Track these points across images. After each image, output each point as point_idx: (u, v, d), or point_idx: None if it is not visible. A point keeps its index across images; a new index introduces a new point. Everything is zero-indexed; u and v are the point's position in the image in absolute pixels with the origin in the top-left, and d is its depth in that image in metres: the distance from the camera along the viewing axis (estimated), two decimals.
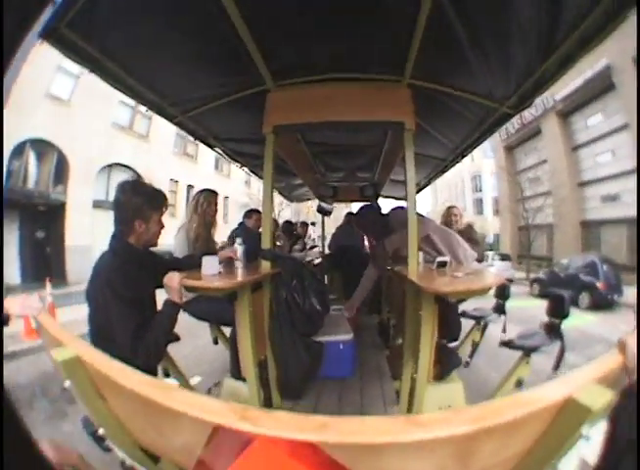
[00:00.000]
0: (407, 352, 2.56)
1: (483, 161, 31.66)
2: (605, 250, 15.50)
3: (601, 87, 16.22)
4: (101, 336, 1.61)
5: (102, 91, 12.00)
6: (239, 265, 2.48)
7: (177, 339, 2.39)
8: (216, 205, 3.26)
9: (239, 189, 22.73)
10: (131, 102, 14.23)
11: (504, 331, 3.18)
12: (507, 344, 2.59)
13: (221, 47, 2.14)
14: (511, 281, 13.00)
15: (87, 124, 12.94)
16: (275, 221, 5.06)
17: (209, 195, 3.22)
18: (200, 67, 2.34)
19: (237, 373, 2.49)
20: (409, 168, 2.47)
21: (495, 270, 15.51)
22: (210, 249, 3.07)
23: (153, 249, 1.95)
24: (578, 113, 18.62)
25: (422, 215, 2.99)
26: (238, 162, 4.38)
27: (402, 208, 2.93)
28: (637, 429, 0.70)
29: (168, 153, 18.13)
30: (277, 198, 6.71)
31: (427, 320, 2.12)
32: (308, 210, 25.05)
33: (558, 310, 2.62)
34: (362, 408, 2.67)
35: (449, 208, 4.32)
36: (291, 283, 2.46)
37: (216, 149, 3.83)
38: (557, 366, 2.55)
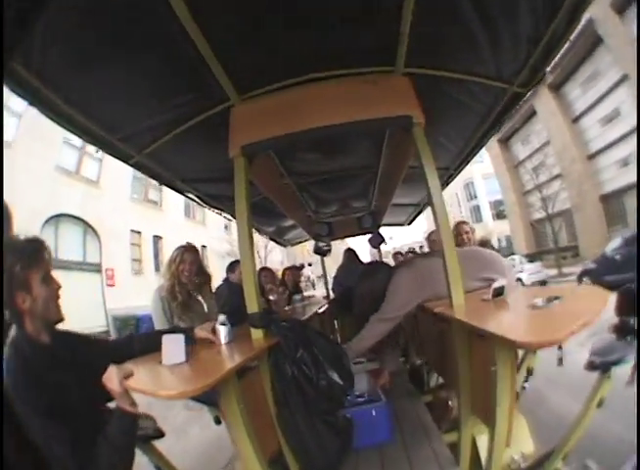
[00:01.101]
0: (464, 408, 2.24)
1: (473, 166, 32.05)
2: (631, 219, 15.33)
3: (588, 44, 16.29)
4: None
5: (43, 131, 11.61)
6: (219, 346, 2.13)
7: (161, 435, 2.16)
8: (192, 263, 3.05)
9: (217, 236, 21.82)
10: (77, 141, 13.84)
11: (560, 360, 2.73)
12: (590, 367, 2.24)
13: (171, 60, 1.94)
14: (545, 283, 12.58)
15: (29, 169, 12.21)
16: (268, 270, 4.84)
17: (183, 251, 3.05)
18: (150, 86, 2.13)
19: None
20: (427, 166, 2.19)
21: (527, 275, 15.25)
22: (193, 315, 2.90)
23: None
24: (571, 80, 18.85)
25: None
26: (214, 207, 4.06)
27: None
28: (637, 428, 0.77)
29: (126, 200, 17.08)
30: (262, 239, 6.48)
31: (504, 377, 1.73)
32: (302, 249, 24.81)
33: (629, 305, 2.22)
34: None
35: (458, 224, 4.02)
36: (295, 354, 2.09)
37: (187, 194, 3.57)
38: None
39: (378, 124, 2.39)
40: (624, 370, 2.09)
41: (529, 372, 2.69)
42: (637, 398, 1.91)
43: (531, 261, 17.90)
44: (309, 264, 8.70)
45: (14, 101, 11.18)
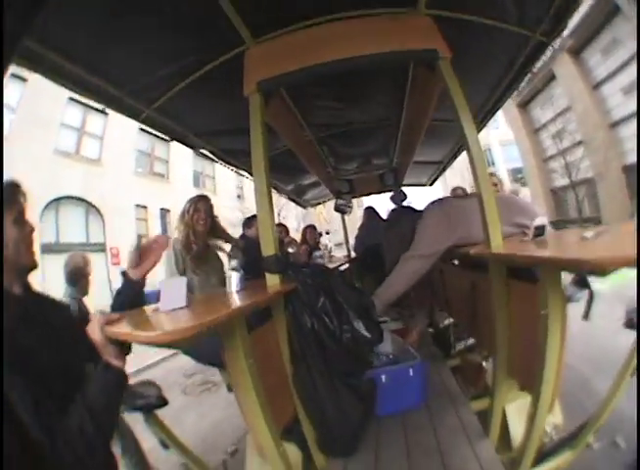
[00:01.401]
0: (500, 369, 2.09)
1: (490, 132, 31.48)
2: None
3: (606, 12, 16.02)
4: None
5: (40, 114, 11.99)
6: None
7: (164, 403, 2.06)
8: (207, 211, 3.10)
9: (229, 205, 20.98)
10: (75, 122, 14.13)
11: (586, 316, 2.63)
12: (630, 324, 2.13)
13: (180, 1, 1.85)
14: None
15: (27, 156, 11.80)
16: (283, 226, 5.07)
17: (197, 200, 3.11)
18: (158, 33, 2.03)
19: None
20: (460, 104, 2.07)
21: None
22: (209, 268, 2.94)
23: None
24: (590, 46, 18.32)
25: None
26: (229, 163, 4.01)
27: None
28: (637, 428, 0.54)
29: (129, 174, 16.51)
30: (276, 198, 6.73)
31: (556, 325, 1.58)
32: (319, 216, 24.47)
33: None
34: (441, 452, 2.09)
35: (454, 190, 3.92)
36: (316, 303, 1.92)
37: (201, 150, 3.54)
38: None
39: (400, 57, 2.29)
40: None
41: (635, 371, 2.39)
42: (637, 397, 1.83)
43: (557, 229, 17.68)
44: (327, 232, 8.71)
45: (11, 88, 11.61)
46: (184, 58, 2.27)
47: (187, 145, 3.35)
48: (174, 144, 3.33)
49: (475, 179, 2.00)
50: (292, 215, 21.85)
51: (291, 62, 2.17)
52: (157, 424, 2.10)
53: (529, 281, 1.78)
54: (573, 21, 16.36)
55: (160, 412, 2.09)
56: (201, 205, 3.08)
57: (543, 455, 1.98)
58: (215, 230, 3.19)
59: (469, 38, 2.43)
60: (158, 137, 16.54)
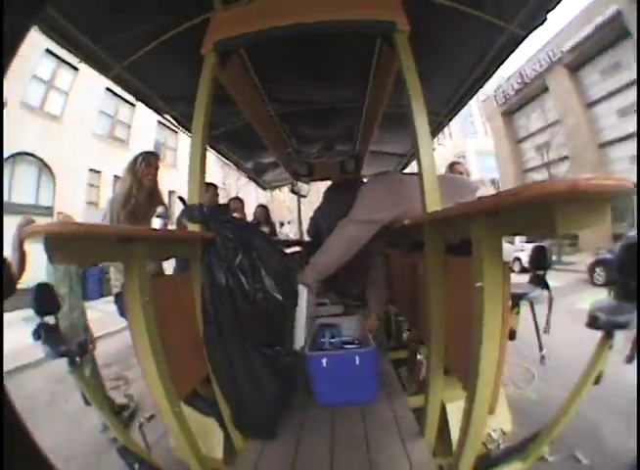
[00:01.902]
0: (434, 360, 1.94)
1: (466, 141, 32.30)
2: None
3: (614, 35, 16.53)
4: None
5: (15, 64, 11.46)
6: None
7: (84, 352, 2.01)
8: (157, 168, 3.24)
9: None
10: (45, 75, 13.82)
11: (547, 324, 2.55)
12: (593, 323, 1.98)
13: None
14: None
15: None
16: (238, 199, 5.49)
17: (150, 155, 3.24)
18: None
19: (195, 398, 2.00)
20: (412, 86, 2.08)
21: (527, 255, 15.25)
22: (143, 224, 2.94)
23: None
24: (589, 65, 18.95)
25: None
26: (190, 130, 3.95)
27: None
28: (637, 430, 0.47)
29: (88, 136, 15.82)
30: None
31: (494, 299, 1.34)
32: (281, 205, 24.42)
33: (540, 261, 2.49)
34: (369, 446, 1.99)
35: (453, 164, 3.82)
36: (234, 259, 1.79)
37: (164, 115, 3.55)
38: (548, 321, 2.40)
39: (356, 26, 2.31)
40: (622, 343, 1.89)
41: (598, 379, 2.04)
42: (637, 396, 1.71)
43: (530, 242, 18.00)
44: (288, 222, 8.94)
45: None
46: (157, 17, 2.36)
47: (152, 107, 3.37)
48: (139, 109, 3.32)
49: (418, 164, 2.04)
50: (252, 200, 22.09)
51: (251, 24, 2.26)
52: (79, 376, 1.99)
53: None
54: (577, 36, 16.95)
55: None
56: (153, 160, 3.19)
57: (488, 464, 1.83)
58: (155, 195, 3.21)
59: (439, 22, 2.48)
60: (123, 100, 16.07)
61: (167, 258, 2.13)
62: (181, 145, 20.01)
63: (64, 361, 1.85)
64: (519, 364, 3.94)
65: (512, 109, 24.52)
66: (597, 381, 1.94)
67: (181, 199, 2.16)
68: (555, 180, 0.87)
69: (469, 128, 32.04)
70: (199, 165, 2.17)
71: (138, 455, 1.98)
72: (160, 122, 17.73)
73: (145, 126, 17.88)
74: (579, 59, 18.80)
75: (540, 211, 0.96)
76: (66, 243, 1.17)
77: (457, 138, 31.81)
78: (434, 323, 1.89)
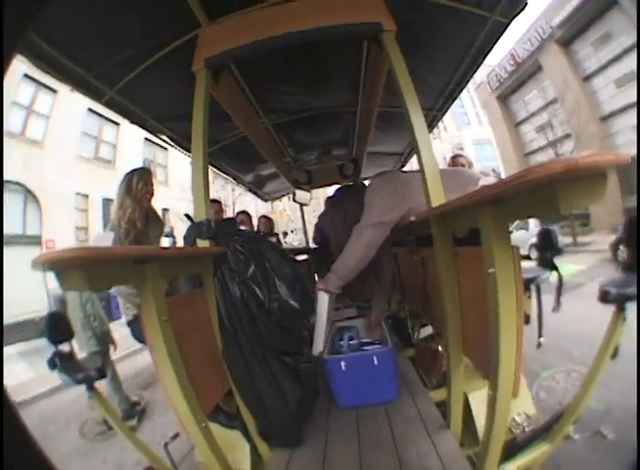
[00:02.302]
0: (453, 351, 1.99)
1: (461, 131, 32.64)
2: None
3: (599, 5, 16.65)
4: None
5: None
6: None
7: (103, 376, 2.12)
8: (152, 185, 3.19)
9: (181, 197, 19.70)
10: (25, 101, 13.91)
11: (557, 306, 2.61)
12: (604, 297, 2.04)
13: None
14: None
15: None
16: (245, 213, 5.57)
17: (144, 173, 3.16)
18: (120, 16, 2.20)
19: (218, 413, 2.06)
20: (404, 82, 2.16)
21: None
22: (144, 241, 2.98)
23: None
24: (580, 38, 18.89)
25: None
26: (188, 149, 4.02)
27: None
28: (637, 431, 0.41)
29: (72, 158, 15.73)
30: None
31: (507, 284, 1.39)
32: (281, 214, 24.40)
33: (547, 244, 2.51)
34: (397, 445, 2.04)
35: (455, 157, 3.89)
36: (246, 271, 1.86)
37: (160, 135, 3.65)
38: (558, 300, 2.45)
39: (343, 31, 2.39)
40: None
41: (615, 353, 2.11)
42: (637, 395, 1.77)
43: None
44: (292, 231, 9.02)
45: None
46: (144, 40, 2.44)
47: (147, 129, 3.44)
48: (124, 128, 3.37)
49: (418, 159, 2.09)
50: (251, 212, 21.90)
51: (240, 38, 2.34)
52: (99, 401, 2.07)
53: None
54: (565, 10, 16.93)
55: None
56: (148, 177, 3.12)
57: (515, 449, 1.90)
58: (151, 213, 3.22)
59: (423, 19, 2.59)
60: (107, 119, 16.08)
61: (180, 276, 2.18)
62: (171, 161, 20.08)
63: (59, 397, 1.90)
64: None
65: (507, 92, 24.43)
66: (614, 355, 2.01)
67: (187, 216, 2.22)
68: (554, 161, 0.92)
69: (461, 119, 32.41)
70: (202, 182, 2.22)
71: None
72: (147, 139, 17.71)
73: (131, 145, 17.81)
74: (570, 33, 18.78)
75: (542, 194, 1.02)
76: (77, 268, 1.16)
77: (452, 130, 32.11)
78: (450, 315, 1.93)
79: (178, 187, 20.37)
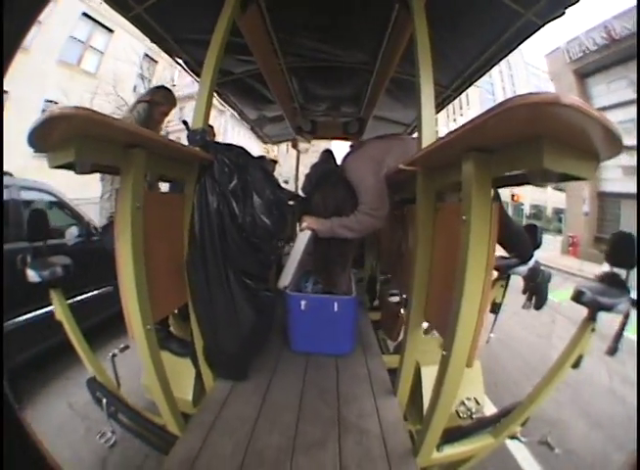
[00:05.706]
0: (414, 311, 1.93)
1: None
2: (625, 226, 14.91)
3: (629, 51, 15.62)
4: None
5: None
6: None
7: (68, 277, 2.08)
8: (171, 107, 3.37)
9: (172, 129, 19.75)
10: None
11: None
12: (578, 297, 2.02)
13: None
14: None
15: None
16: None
17: (168, 92, 3.33)
18: None
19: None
20: (421, 47, 2.15)
21: None
22: None
23: None
24: (599, 75, 17.73)
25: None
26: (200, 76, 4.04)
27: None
28: (637, 431, 0.39)
29: (53, 63, 14.78)
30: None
31: (479, 234, 1.32)
32: (278, 169, 24.29)
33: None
34: (340, 399, 2.07)
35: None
36: (228, 183, 1.83)
37: (177, 59, 3.62)
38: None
39: None
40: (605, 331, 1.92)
41: (577, 363, 1.99)
42: (637, 395, 1.78)
43: None
44: (285, 182, 9.08)
45: None
46: None
47: (163, 49, 3.43)
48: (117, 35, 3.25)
49: (418, 131, 2.06)
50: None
51: None
52: (59, 303, 2.07)
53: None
54: None
55: None
56: (171, 97, 3.30)
57: (458, 434, 1.87)
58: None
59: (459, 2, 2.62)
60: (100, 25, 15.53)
61: (164, 179, 2.11)
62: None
63: None
64: None
65: (590, 69, 19.22)
66: (576, 365, 1.97)
67: (185, 123, 2.16)
68: (536, 93, 0.88)
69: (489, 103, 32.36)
70: (207, 94, 2.20)
71: (107, 389, 2.04)
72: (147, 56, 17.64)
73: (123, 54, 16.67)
74: (590, 67, 17.78)
75: (528, 146, 1.03)
76: (69, 141, 1.18)
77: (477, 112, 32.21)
78: (418, 274, 1.88)
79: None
